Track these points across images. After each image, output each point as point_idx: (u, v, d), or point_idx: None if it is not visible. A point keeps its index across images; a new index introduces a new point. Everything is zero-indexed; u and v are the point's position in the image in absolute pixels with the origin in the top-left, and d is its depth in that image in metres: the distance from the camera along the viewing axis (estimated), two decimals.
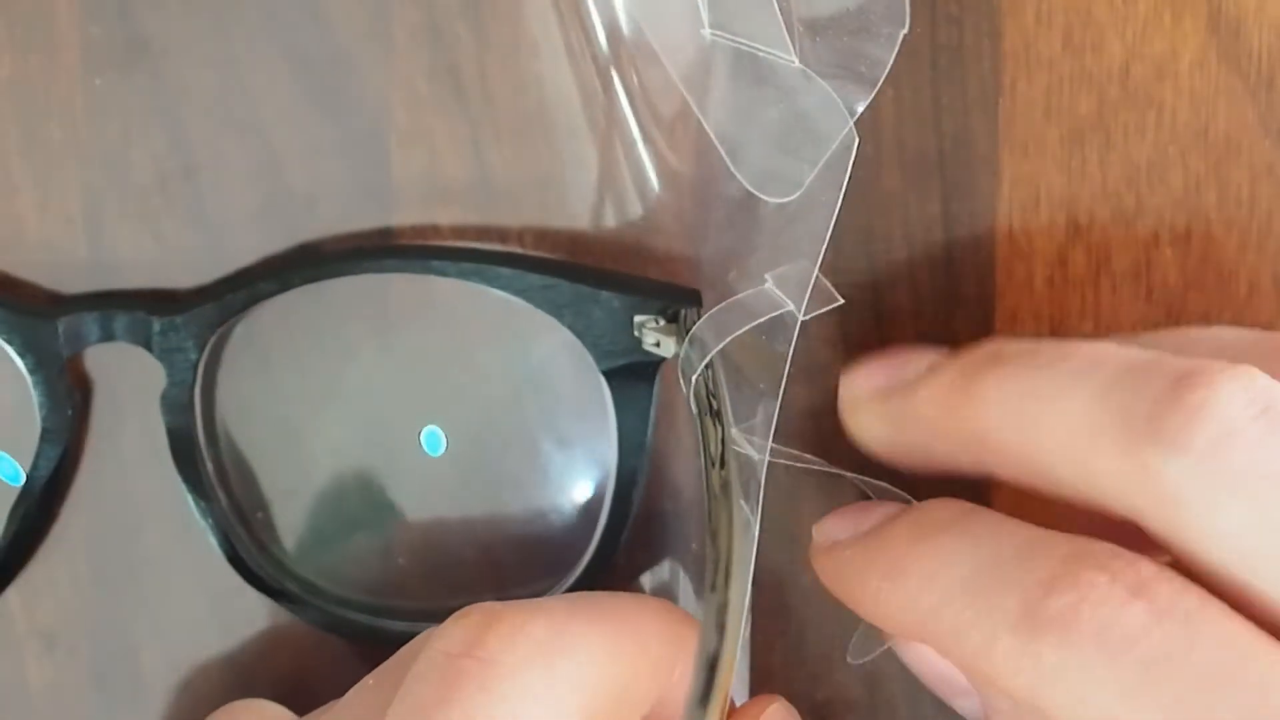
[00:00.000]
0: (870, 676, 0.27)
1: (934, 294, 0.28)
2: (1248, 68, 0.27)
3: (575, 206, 0.28)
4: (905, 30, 0.24)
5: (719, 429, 0.25)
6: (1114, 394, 0.22)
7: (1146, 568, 0.21)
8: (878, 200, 0.27)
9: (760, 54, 0.25)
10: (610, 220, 0.28)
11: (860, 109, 0.24)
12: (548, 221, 0.28)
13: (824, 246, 0.25)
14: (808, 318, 0.25)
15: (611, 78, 0.27)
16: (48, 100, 0.27)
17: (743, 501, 0.25)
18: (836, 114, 0.24)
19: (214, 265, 0.28)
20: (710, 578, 0.23)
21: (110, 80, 0.27)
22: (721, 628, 0.22)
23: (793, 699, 0.27)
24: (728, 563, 0.23)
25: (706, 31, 0.25)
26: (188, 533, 0.28)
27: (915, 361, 0.26)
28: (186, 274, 0.28)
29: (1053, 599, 0.21)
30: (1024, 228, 0.27)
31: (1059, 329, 0.28)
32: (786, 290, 0.25)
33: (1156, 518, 0.22)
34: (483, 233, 0.28)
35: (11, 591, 0.29)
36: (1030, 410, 0.23)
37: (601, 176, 0.28)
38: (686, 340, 0.25)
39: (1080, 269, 0.28)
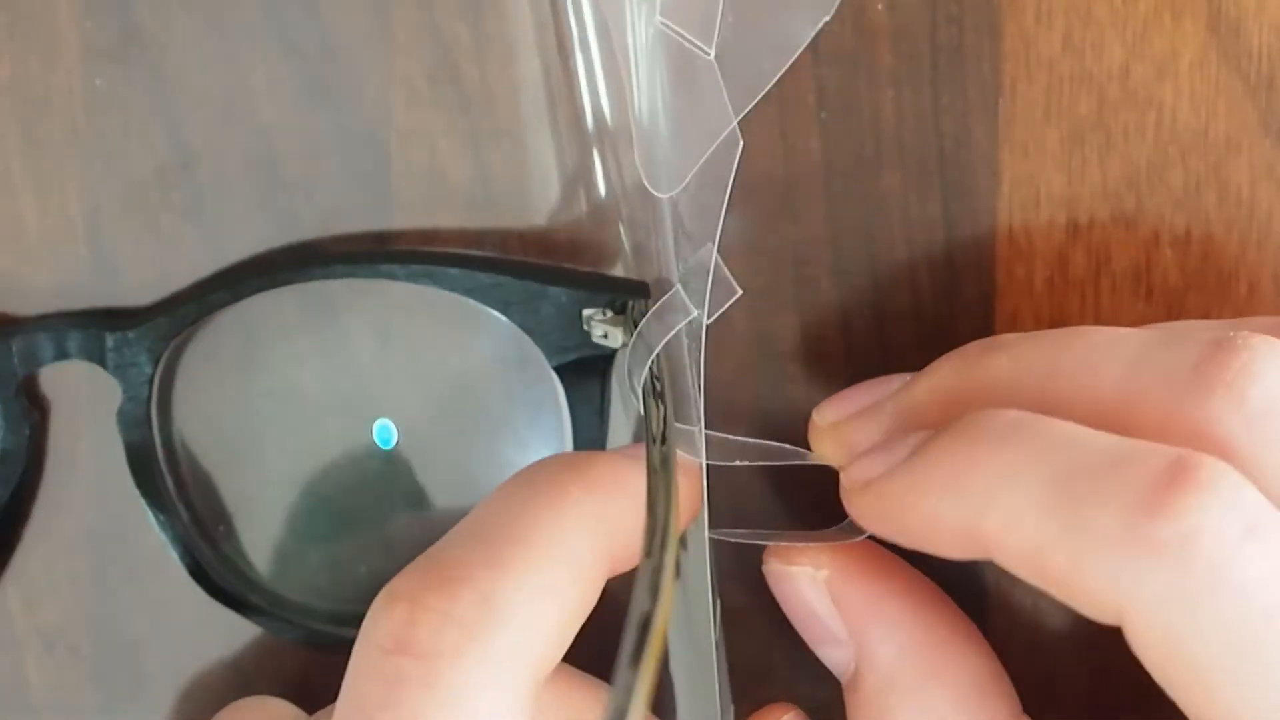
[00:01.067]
0: None
1: (934, 294, 0.28)
2: (1248, 68, 0.27)
3: (576, 206, 0.28)
4: (828, 17, 0.24)
5: (661, 409, 0.25)
6: (1148, 360, 0.22)
7: (1250, 492, 0.20)
8: (878, 200, 0.27)
9: (685, 45, 0.25)
10: (611, 219, 0.28)
11: (757, 98, 0.24)
12: (548, 221, 0.28)
13: (715, 247, 0.25)
14: (711, 320, 0.25)
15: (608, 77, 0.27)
16: (48, 100, 0.27)
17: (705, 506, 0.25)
18: (722, 113, 0.24)
19: (213, 264, 0.28)
20: (646, 543, 0.22)
21: (110, 80, 0.27)
22: (655, 589, 0.21)
23: (792, 699, 0.27)
24: (664, 529, 0.22)
25: (658, 19, 0.25)
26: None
27: (891, 381, 0.26)
28: (186, 273, 0.28)
29: (1160, 523, 0.20)
30: (1024, 228, 0.27)
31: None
32: (691, 292, 0.25)
33: None
34: (482, 233, 0.28)
35: (11, 591, 0.29)
36: (1052, 387, 0.23)
37: (602, 175, 0.28)
38: (634, 335, 0.25)
39: (1080, 269, 0.28)
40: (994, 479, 0.22)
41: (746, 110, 0.24)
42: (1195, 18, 0.27)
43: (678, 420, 0.25)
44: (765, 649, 0.28)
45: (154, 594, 0.29)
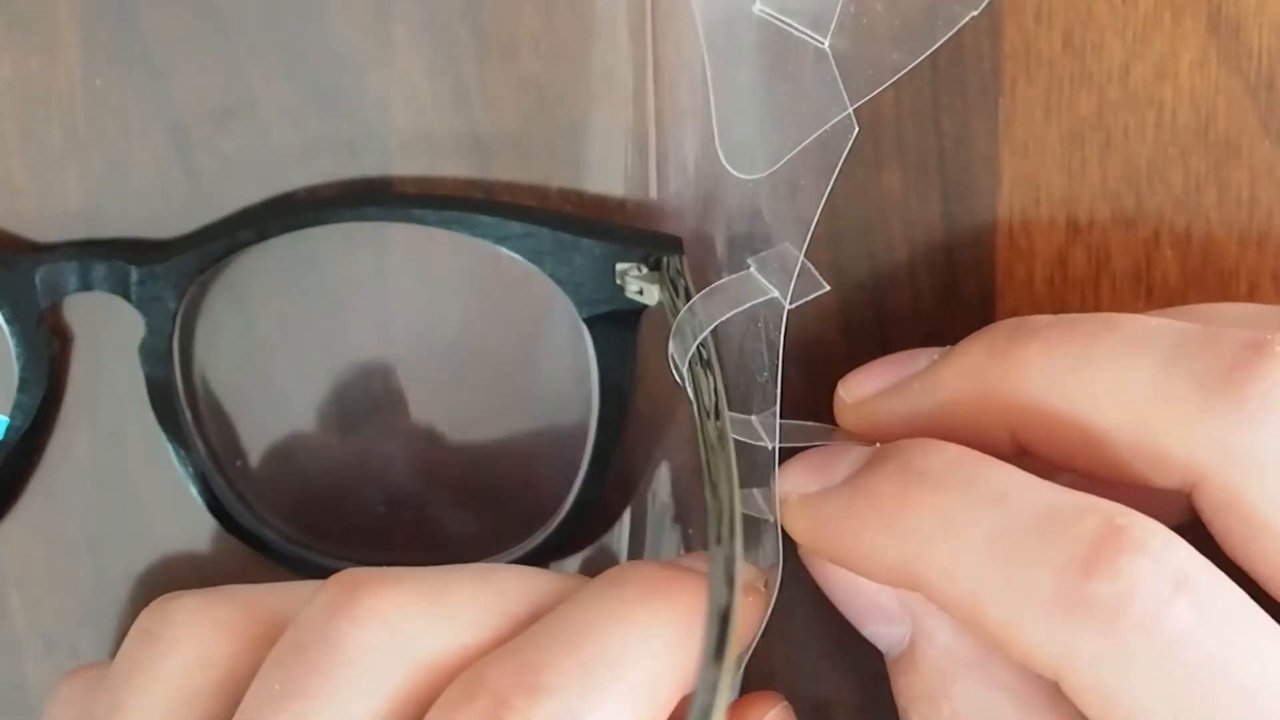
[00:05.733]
0: (869, 677, 0.27)
1: (934, 294, 0.28)
2: (1248, 68, 0.27)
3: (576, 206, 0.28)
4: (975, 12, 0.24)
5: (710, 378, 0.24)
6: (1181, 359, 0.22)
7: (1180, 549, 0.21)
8: (878, 200, 0.27)
9: (794, 33, 0.25)
10: (612, 219, 0.28)
11: (879, 88, 0.24)
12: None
13: (810, 232, 0.25)
14: (794, 305, 0.25)
15: (612, 74, 0.27)
16: (48, 100, 0.27)
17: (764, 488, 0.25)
18: (834, 100, 0.24)
19: None
20: (714, 530, 0.22)
21: (110, 80, 0.27)
22: (730, 580, 0.21)
23: (792, 699, 0.27)
24: (731, 514, 0.22)
25: (757, 7, 0.25)
26: (185, 526, 0.28)
27: (919, 356, 0.25)
28: None
29: (1093, 584, 0.20)
30: (1024, 228, 0.28)
31: None
32: (769, 275, 0.25)
33: (1222, 479, 0.21)
34: None
35: (12, 591, 0.29)
36: (1083, 378, 0.23)
37: (601, 177, 0.28)
38: (684, 310, 0.25)
39: (1080, 269, 0.28)
40: (929, 525, 0.22)
41: (864, 99, 0.24)
42: (1195, 18, 0.27)
43: (734, 409, 0.25)
44: (765, 649, 0.28)
45: (154, 594, 0.29)
